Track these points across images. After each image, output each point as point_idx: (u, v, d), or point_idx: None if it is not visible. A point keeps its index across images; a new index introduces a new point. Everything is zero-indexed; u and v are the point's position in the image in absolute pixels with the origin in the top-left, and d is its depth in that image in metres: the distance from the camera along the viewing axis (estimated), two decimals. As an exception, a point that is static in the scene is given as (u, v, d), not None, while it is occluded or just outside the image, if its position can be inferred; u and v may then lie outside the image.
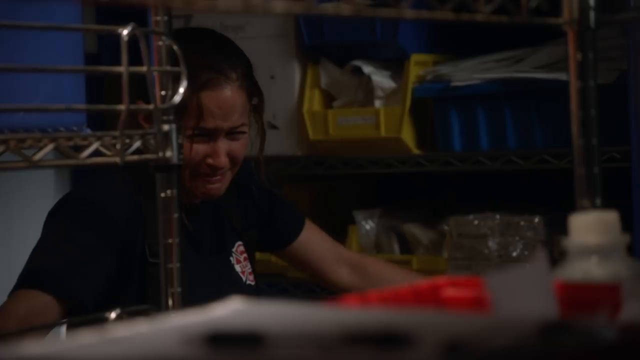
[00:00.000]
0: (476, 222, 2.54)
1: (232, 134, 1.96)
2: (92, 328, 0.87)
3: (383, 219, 2.74)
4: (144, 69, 1.45)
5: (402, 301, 1.05)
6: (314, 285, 2.74)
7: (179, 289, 1.51)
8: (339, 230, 2.78)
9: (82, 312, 1.83)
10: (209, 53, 1.96)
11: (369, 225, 2.74)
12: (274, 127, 2.74)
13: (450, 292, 1.09)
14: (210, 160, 1.96)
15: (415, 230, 2.70)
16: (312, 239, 2.22)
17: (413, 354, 0.71)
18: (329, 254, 2.21)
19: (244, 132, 1.98)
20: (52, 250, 1.90)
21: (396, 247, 2.72)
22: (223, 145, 1.95)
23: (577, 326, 0.74)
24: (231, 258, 2.09)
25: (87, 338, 0.83)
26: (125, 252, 1.93)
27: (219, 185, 1.99)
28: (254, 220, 2.16)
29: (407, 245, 2.72)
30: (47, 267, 1.87)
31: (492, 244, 2.52)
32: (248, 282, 2.12)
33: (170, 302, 1.52)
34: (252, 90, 2.01)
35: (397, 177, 2.84)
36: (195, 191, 1.99)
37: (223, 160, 1.95)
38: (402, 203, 2.83)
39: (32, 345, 0.82)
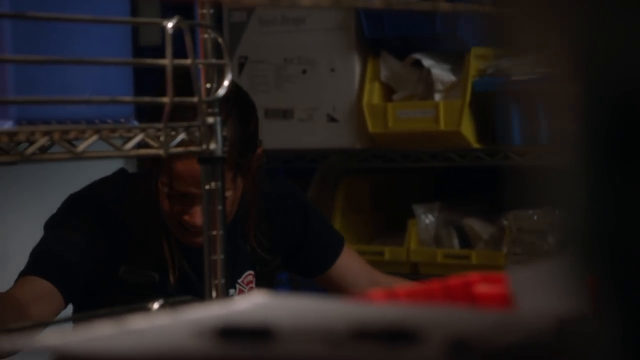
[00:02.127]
0: (536, 217, 2.51)
1: None
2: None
3: (443, 213, 2.73)
4: (188, 61, 1.45)
5: (432, 297, 1.04)
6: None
7: (222, 281, 1.52)
8: (398, 224, 2.77)
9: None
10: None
11: (428, 219, 2.72)
12: (333, 120, 2.74)
13: (482, 288, 1.08)
14: (187, 218, 1.91)
15: (475, 225, 2.68)
16: (348, 265, 2.16)
17: (420, 350, 0.70)
18: (364, 279, 2.16)
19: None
20: (54, 241, 1.91)
21: (455, 241, 2.70)
22: (199, 206, 1.87)
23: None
24: (232, 290, 2.01)
25: (103, 329, 0.83)
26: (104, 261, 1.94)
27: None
28: (282, 245, 2.09)
29: (466, 240, 2.70)
30: (49, 256, 1.88)
31: (552, 239, 2.48)
32: None
33: (214, 293, 1.52)
34: (237, 159, 1.89)
35: (456, 171, 2.82)
36: (182, 240, 1.96)
37: (199, 221, 1.86)
38: (462, 197, 2.81)
39: (50, 337, 0.83)
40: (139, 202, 1.97)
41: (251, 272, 2.05)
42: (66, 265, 1.87)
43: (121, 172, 2.07)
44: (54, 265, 1.86)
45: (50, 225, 1.95)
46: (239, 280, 2.04)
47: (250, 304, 0.91)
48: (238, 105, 1.92)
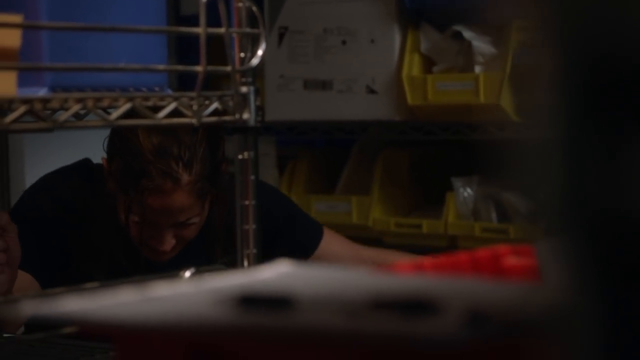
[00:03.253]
0: (576, 191, 2.48)
1: (179, 225, 1.89)
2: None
3: (481, 186, 2.71)
4: (222, 30, 1.45)
5: (459, 269, 1.03)
6: (410, 252, 2.72)
7: (254, 250, 1.52)
8: (436, 197, 2.76)
9: None
10: (164, 151, 1.84)
11: (466, 192, 2.71)
12: (372, 91, 2.72)
13: (510, 260, 1.07)
14: (153, 243, 1.90)
15: (514, 199, 2.66)
16: (330, 249, 2.17)
17: (438, 321, 0.69)
18: (347, 257, 2.17)
19: (192, 223, 1.90)
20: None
21: (494, 215, 2.69)
22: (168, 232, 1.89)
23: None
24: None
25: (124, 296, 0.84)
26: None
27: (169, 255, 1.93)
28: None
29: (505, 214, 2.68)
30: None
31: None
32: None
33: (245, 263, 1.52)
34: (208, 189, 1.88)
35: (496, 144, 2.79)
36: (147, 254, 1.94)
37: (167, 246, 1.89)
38: (501, 171, 2.79)
39: (72, 302, 0.83)
40: (100, 200, 1.96)
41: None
42: (37, 260, 1.88)
43: (84, 163, 2.05)
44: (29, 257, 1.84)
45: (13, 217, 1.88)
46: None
47: (273, 273, 0.90)
48: (207, 134, 1.89)
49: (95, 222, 1.96)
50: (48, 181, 2.01)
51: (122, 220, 1.90)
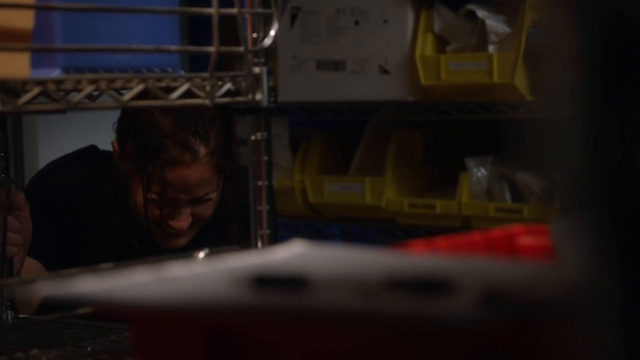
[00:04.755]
0: (590, 171, 2.48)
1: (196, 201, 1.91)
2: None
3: (495, 166, 2.70)
4: (235, 10, 1.45)
5: (474, 249, 1.03)
6: (424, 232, 2.72)
7: (268, 231, 1.52)
8: (449, 177, 2.76)
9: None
10: (181, 125, 1.87)
11: (480, 172, 2.70)
12: (385, 71, 2.72)
13: (525, 240, 1.07)
14: (171, 222, 1.91)
15: (528, 179, 2.65)
16: None
17: (453, 300, 0.69)
18: None
19: (209, 199, 1.92)
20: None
21: (508, 195, 2.68)
22: (186, 209, 1.90)
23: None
24: None
25: (140, 277, 0.84)
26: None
27: (183, 240, 1.95)
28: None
29: (518, 194, 2.67)
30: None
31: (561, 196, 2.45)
32: None
33: (259, 244, 1.52)
34: (224, 163, 1.91)
35: (510, 124, 2.79)
36: (158, 240, 1.95)
37: (184, 224, 1.90)
38: (515, 151, 2.78)
39: (88, 282, 0.83)
40: (108, 186, 1.97)
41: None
42: (45, 245, 1.89)
43: (91, 149, 2.05)
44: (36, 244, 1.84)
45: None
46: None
47: (288, 253, 0.90)
48: (220, 109, 1.91)
49: (105, 207, 1.97)
50: (56, 166, 2.02)
51: (138, 202, 1.90)
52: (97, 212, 1.97)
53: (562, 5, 0.56)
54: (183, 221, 1.90)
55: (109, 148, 1.97)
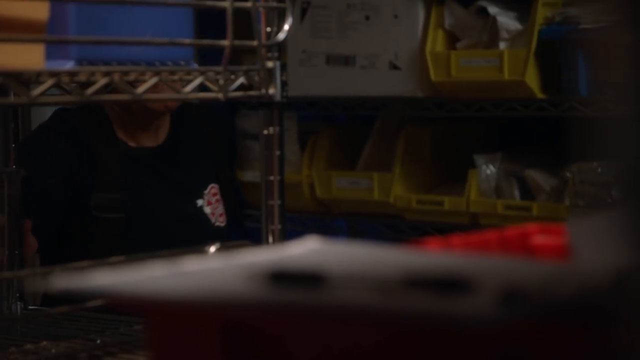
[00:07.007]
0: (600, 169, 2.47)
1: None
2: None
3: (504, 163, 2.69)
4: (249, 4, 1.44)
5: (488, 248, 1.02)
6: (431, 229, 2.72)
7: (279, 226, 1.52)
8: (458, 173, 2.75)
9: None
10: None
11: (489, 169, 2.69)
12: (395, 67, 2.71)
13: (539, 239, 1.06)
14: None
15: (537, 176, 2.65)
16: None
17: (472, 300, 0.69)
18: None
19: None
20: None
21: (517, 192, 2.67)
22: None
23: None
24: (200, 200, 2.19)
25: (156, 270, 0.84)
26: (72, 200, 2.07)
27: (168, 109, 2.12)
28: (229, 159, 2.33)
29: (528, 191, 2.67)
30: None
31: (615, 192, 2.44)
32: (217, 223, 2.21)
33: (270, 239, 1.52)
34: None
35: (520, 121, 2.78)
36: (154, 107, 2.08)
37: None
38: (524, 148, 2.78)
39: (103, 275, 0.83)
40: (101, 126, 2.12)
41: (214, 184, 2.22)
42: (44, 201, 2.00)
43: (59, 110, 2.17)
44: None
45: (24, 153, 1.88)
46: (205, 192, 2.20)
47: (304, 249, 0.90)
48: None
49: (99, 147, 2.11)
50: (56, 119, 2.15)
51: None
52: (96, 156, 2.09)
53: (622, 6, 0.55)
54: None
55: None
